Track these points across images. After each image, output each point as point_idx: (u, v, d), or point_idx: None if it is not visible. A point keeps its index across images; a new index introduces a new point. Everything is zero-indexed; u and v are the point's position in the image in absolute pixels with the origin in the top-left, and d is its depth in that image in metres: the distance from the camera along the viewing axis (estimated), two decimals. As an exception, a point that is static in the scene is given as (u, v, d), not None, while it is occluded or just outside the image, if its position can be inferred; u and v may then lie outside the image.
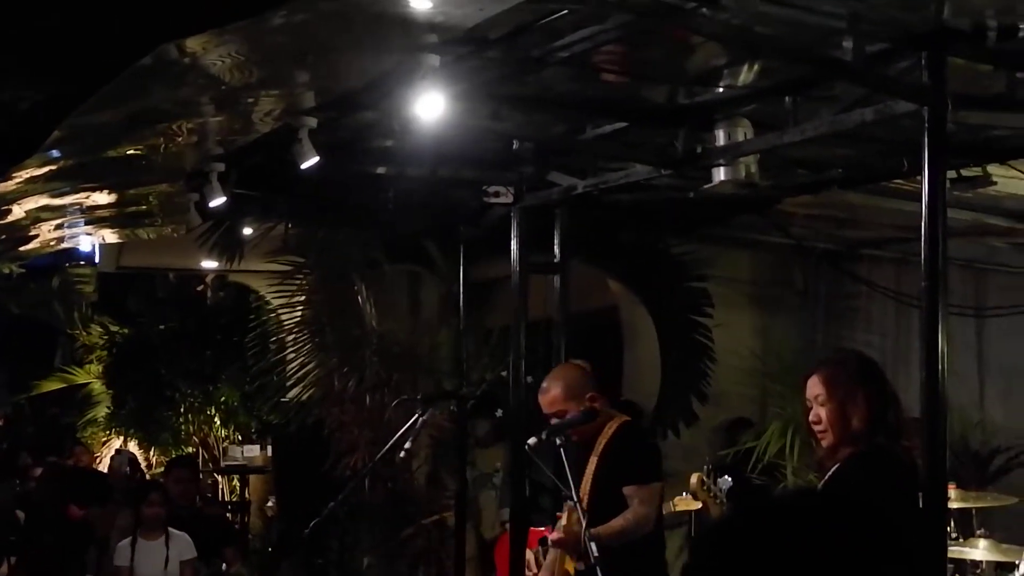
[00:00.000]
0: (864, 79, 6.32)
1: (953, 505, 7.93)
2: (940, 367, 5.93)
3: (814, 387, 5.64)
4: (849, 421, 5.51)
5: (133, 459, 16.89)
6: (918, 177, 6.23)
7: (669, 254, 12.05)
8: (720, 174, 7.74)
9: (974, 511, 8.74)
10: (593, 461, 7.29)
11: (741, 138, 7.44)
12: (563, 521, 7.19)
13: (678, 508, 9.25)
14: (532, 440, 6.89)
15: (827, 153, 8.32)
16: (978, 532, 8.26)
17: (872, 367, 5.81)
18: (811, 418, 5.65)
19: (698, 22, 5.67)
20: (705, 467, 6.84)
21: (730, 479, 6.73)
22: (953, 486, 7.81)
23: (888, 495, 5.35)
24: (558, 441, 6.70)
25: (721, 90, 7.12)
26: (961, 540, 8.24)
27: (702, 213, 10.58)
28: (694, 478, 6.80)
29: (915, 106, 6.11)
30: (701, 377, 12.05)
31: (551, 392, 7.41)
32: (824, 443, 5.61)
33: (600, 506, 7.12)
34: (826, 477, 5.63)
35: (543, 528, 7.99)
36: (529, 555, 8.07)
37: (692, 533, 10.13)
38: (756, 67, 6.82)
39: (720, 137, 7.49)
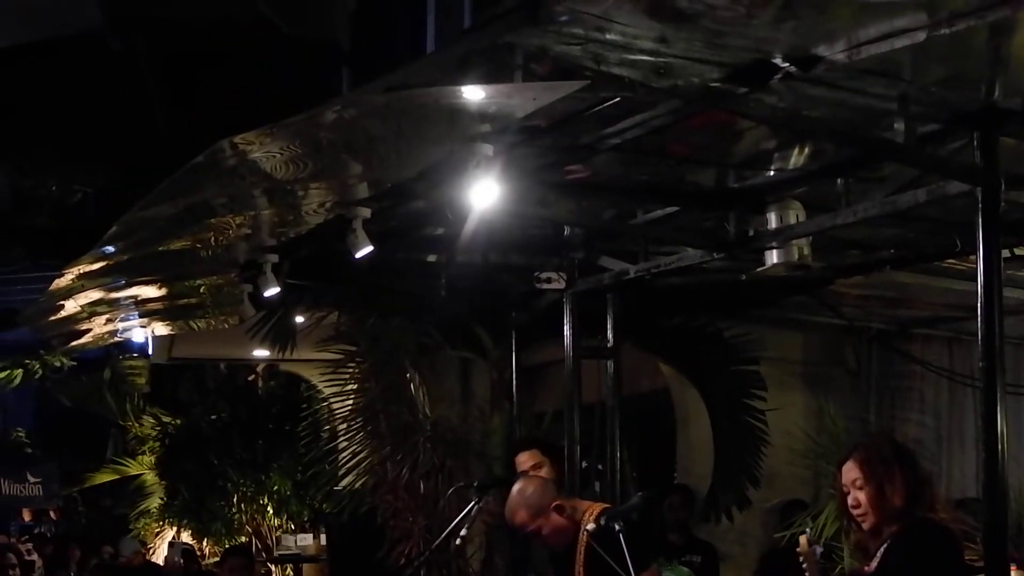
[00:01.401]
0: (916, 161, 6.32)
1: (1015, 588, 7.83)
2: (1000, 447, 5.89)
3: (850, 472, 5.70)
4: (890, 500, 5.55)
5: (189, 551, 16.89)
6: (970, 256, 6.22)
7: (720, 336, 12.00)
8: (773, 257, 7.74)
9: (1037, 595, 8.61)
10: (580, 560, 7.12)
11: (793, 220, 7.43)
12: None
13: None
14: (590, 526, 6.84)
15: (878, 233, 8.30)
16: (1041, 617, 8.13)
17: (904, 448, 5.87)
18: (850, 503, 5.71)
19: (748, 107, 5.69)
20: None
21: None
22: (1014, 567, 7.70)
23: (940, 562, 5.51)
24: (616, 527, 6.64)
25: (771, 173, 7.13)
26: (1024, 626, 8.12)
27: (753, 295, 10.55)
28: None
29: (968, 186, 6.11)
30: (754, 460, 11.95)
31: (517, 517, 7.25)
32: (865, 525, 5.66)
33: None
34: (877, 557, 5.62)
35: None
36: None
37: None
38: (806, 149, 6.82)
39: (772, 220, 7.48)
